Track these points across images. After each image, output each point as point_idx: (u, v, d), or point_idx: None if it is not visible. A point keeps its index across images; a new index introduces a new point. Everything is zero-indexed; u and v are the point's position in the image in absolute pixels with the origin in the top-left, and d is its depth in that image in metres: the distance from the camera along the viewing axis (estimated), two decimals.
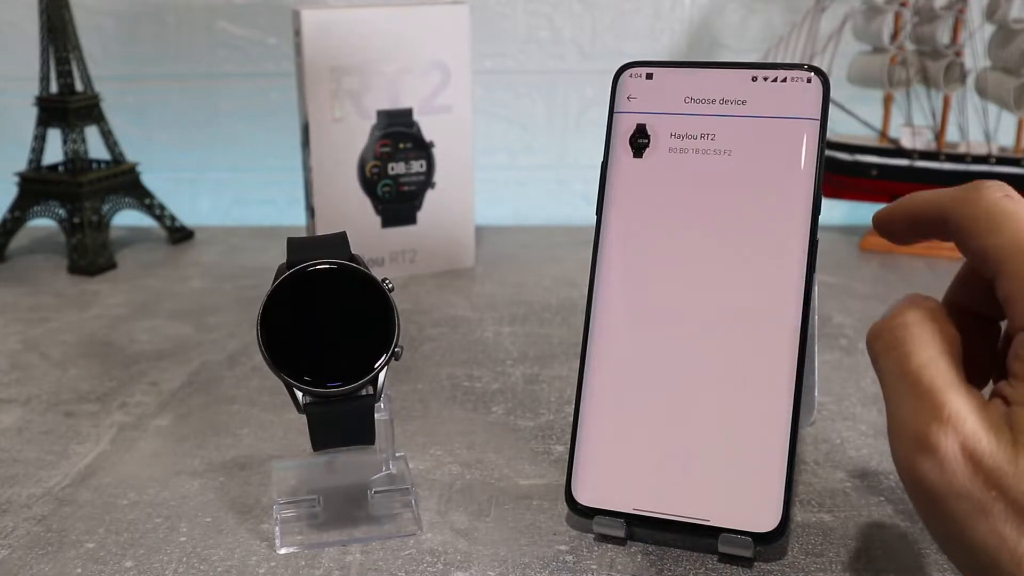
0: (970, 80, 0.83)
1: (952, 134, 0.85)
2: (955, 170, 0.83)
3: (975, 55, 0.83)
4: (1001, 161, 0.82)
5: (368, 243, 0.75)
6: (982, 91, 0.82)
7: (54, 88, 0.80)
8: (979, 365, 0.30)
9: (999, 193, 0.29)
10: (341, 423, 0.41)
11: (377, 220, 0.75)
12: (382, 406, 0.43)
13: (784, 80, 0.40)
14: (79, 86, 0.81)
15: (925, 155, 0.84)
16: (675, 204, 0.41)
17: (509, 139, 0.97)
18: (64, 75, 0.79)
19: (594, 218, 0.42)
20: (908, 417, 0.28)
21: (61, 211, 0.80)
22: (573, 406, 0.42)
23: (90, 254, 0.78)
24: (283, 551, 0.41)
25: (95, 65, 0.84)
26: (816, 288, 0.40)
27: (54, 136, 0.81)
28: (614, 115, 0.42)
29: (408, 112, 0.74)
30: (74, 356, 0.62)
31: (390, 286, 0.41)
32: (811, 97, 0.40)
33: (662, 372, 0.40)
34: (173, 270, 0.80)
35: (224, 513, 0.44)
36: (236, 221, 0.98)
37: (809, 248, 0.39)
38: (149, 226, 0.89)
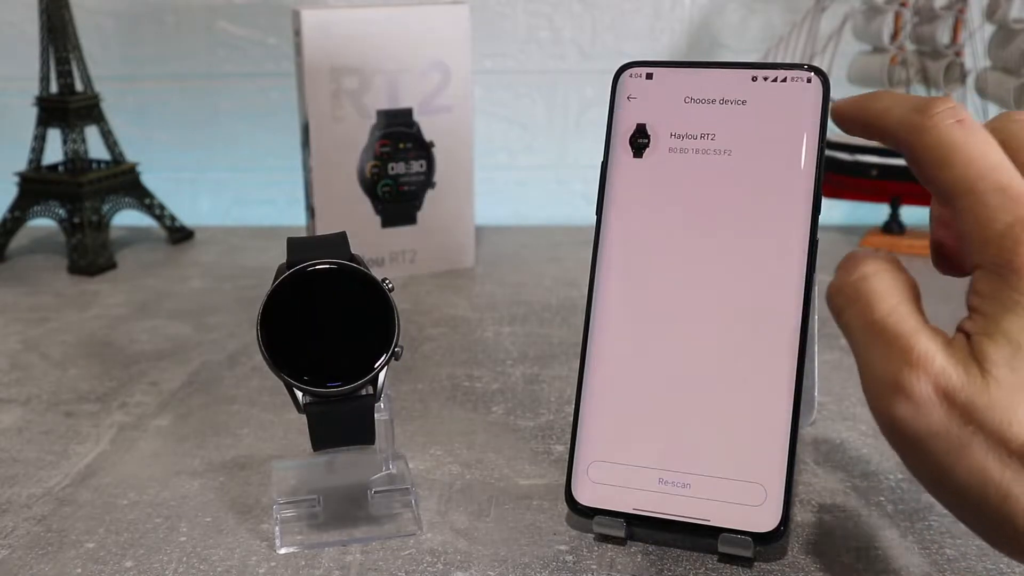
0: (970, 80, 0.83)
1: None
2: None
3: (975, 55, 0.83)
4: None
5: (368, 243, 0.75)
6: (982, 91, 0.82)
7: (54, 88, 0.80)
8: None
9: (950, 120, 0.28)
10: (341, 423, 0.41)
11: (377, 220, 0.75)
12: (382, 406, 0.43)
13: (784, 80, 0.40)
14: (79, 86, 0.81)
15: None
16: (675, 204, 0.41)
17: (509, 139, 0.97)
18: (64, 75, 0.79)
19: (594, 218, 0.42)
20: (879, 365, 0.28)
21: (61, 211, 0.80)
22: (573, 406, 0.42)
23: (90, 254, 0.78)
24: (283, 551, 0.41)
25: (95, 65, 0.84)
26: (816, 288, 0.40)
27: (54, 136, 0.81)
28: (614, 115, 0.42)
29: (408, 112, 0.74)
30: (74, 356, 0.62)
31: (390, 286, 0.40)
32: (811, 97, 0.40)
33: (662, 372, 0.40)
34: (173, 270, 0.80)
35: (224, 513, 0.44)
36: (236, 221, 0.98)
37: (809, 248, 0.39)
38: (149, 226, 0.89)
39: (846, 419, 0.52)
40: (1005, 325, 0.26)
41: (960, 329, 0.28)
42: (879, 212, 0.86)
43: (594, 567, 0.39)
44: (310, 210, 0.75)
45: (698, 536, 0.39)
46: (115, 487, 0.46)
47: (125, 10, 0.93)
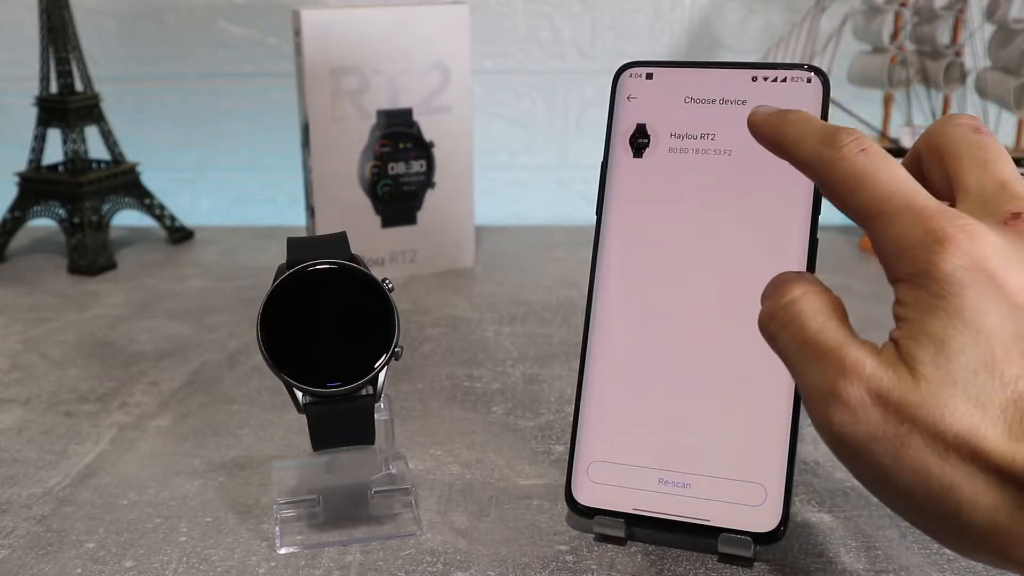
0: (970, 80, 0.83)
1: None
2: None
3: (975, 55, 0.83)
4: None
5: (368, 243, 0.75)
6: (982, 91, 0.82)
7: (54, 88, 0.80)
8: None
9: (855, 149, 0.30)
10: (341, 423, 0.41)
11: (377, 220, 0.75)
12: (382, 406, 0.43)
13: (784, 80, 0.40)
14: (79, 86, 0.81)
15: None
16: (675, 204, 0.41)
17: (509, 139, 0.97)
18: (64, 75, 0.79)
19: (594, 218, 0.42)
20: (815, 380, 0.29)
21: (61, 211, 0.80)
22: (573, 406, 0.42)
23: (90, 254, 0.78)
24: (283, 551, 0.41)
25: (95, 65, 0.84)
26: None
27: (54, 136, 0.81)
28: (614, 115, 0.42)
29: (408, 112, 0.74)
30: (74, 356, 0.62)
31: (390, 286, 0.41)
32: (811, 97, 0.40)
33: (662, 372, 0.40)
34: (173, 270, 0.80)
35: (224, 513, 0.44)
36: (236, 221, 0.98)
37: (809, 248, 0.39)
38: (149, 226, 0.89)
39: None
40: (928, 327, 0.27)
41: (889, 339, 0.28)
42: None
43: (594, 567, 0.39)
44: (310, 210, 0.75)
45: (698, 536, 0.40)
46: (115, 487, 0.46)
47: (125, 10, 0.93)
